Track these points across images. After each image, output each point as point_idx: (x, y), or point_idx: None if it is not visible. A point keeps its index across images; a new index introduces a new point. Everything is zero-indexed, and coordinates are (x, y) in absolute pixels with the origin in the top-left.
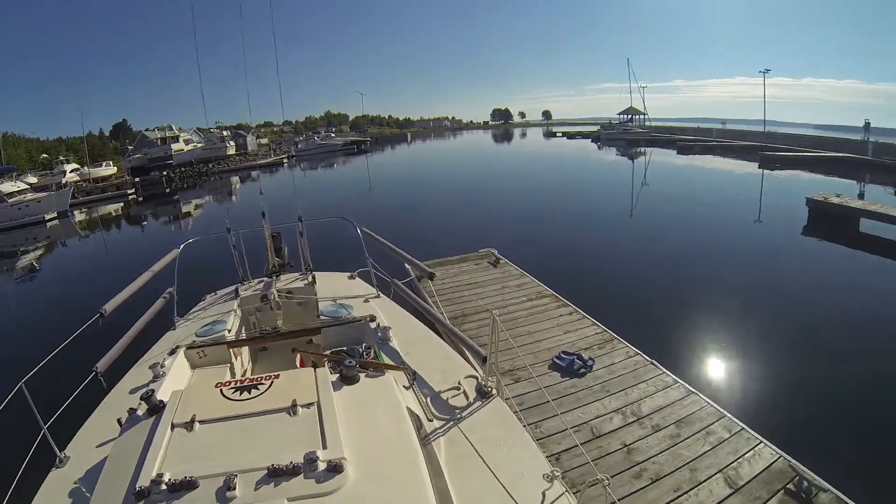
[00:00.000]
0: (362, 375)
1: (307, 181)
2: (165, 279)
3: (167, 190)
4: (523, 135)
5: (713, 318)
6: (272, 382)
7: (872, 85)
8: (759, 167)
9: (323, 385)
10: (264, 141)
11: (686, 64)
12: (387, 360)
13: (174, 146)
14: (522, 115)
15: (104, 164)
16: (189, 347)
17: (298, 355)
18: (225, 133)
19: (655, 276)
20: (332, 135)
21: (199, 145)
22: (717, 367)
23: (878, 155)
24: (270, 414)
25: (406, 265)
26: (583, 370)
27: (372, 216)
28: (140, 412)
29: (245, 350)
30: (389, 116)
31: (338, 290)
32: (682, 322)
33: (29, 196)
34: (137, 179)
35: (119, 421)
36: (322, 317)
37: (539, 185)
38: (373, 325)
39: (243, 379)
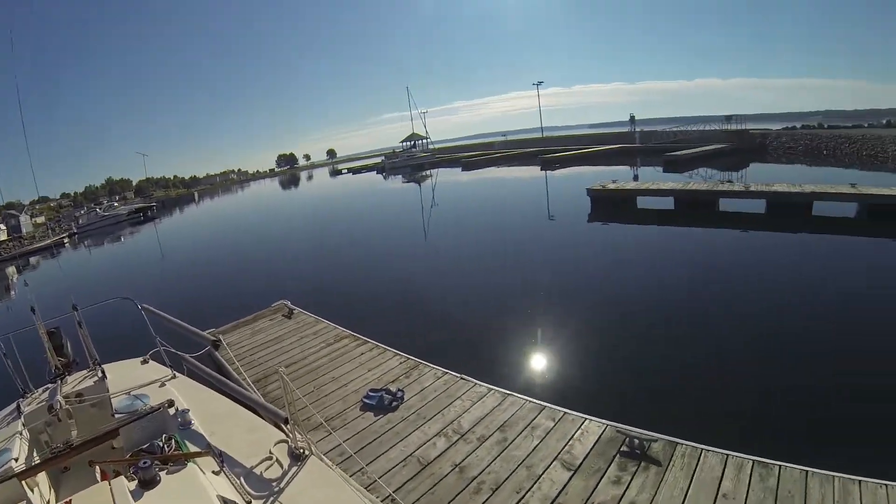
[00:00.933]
0: (163, 473)
1: (93, 260)
2: None
3: None
4: (310, 177)
5: (515, 319)
6: None
7: (633, 84)
8: (542, 169)
9: (120, 499)
10: (41, 220)
11: (464, 85)
12: (191, 447)
13: None
14: (307, 157)
15: None
16: None
17: (97, 467)
18: None
19: (455, 292)
20: (116, 204)
21: None
22: (526, 364)
23: (644, 141)
24: None
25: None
26: (395, 403)
27: (166, 285)
28: None
29: (42, 477)
30: (175, 177)
31: (131, 379)
32: (486, 332)
33: None
34: None
35: None
36: (117, 415)
37: (328, 226)
38: (171, 410)
39: None
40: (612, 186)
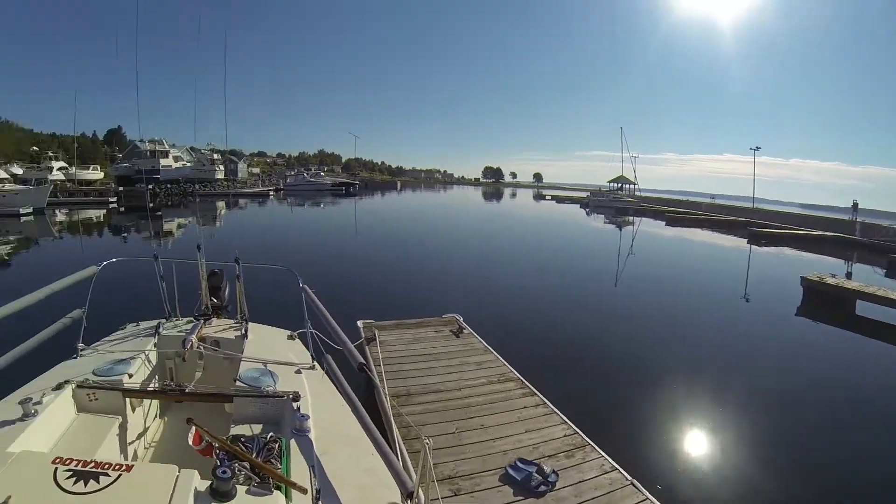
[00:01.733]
0: (243, 490)
1: (291, 217)
2: (76, 299)
3: (150, 205)
4: (513, 195)
5: (709, 418)
6: (119, 476)
7: (855, 168)
8: (748, 242)
9: (180, 497)
10: (255, 170)
11: (676, 137)
12: (293, 463)
13: (163, 161)
14: (514, 175)
15: (92, 167)
16: (80, 386)
17: (194, 428)
18: (216, 156)
19: (639, 362)
20: (322, 174)
21: (189, 164)
22: (715, 488)
23: (865, 235)
24: None
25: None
26: (542, 487)
27: (356, 262)
28: None
29: (147, 402)
30: (382, 163)
31: (271, 350)
32: (671, 423)
33: (7, 187)
34: (122, 189)
35: None
36: (239, 382)
37: (522, 249)
38: (294, 405)
39: (87, 462)
40: (830, 281)
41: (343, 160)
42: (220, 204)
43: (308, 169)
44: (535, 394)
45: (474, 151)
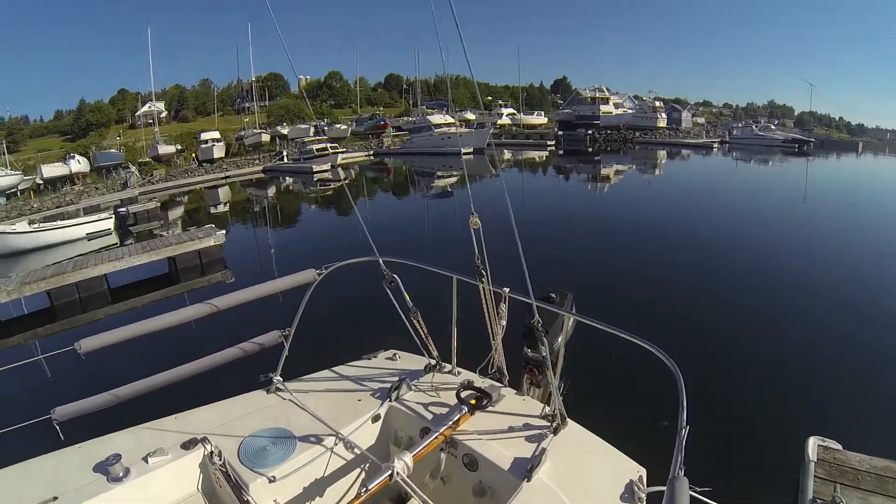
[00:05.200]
0: None
1: (735, 173)
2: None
3: (589, 149)
4: None
5: None
6: None
7: None
8: None
9: None
10: (700, 120)
11: None
12: None
13: (603, 108)
14: None
15: (536, 113)
16: (210, 457)
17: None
18: (658, 104)
19: None
20: (773, 128)
21: (630, 111)
22: None
23: None
24: None
25: None
26: None
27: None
28: None
29: None
30: (840, 118)
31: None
32: None
33: (452, 130)
34: (561, 133)
35: None
36: None
37: None
38: None
39: None
40: None
41: (796, 114)
42: (661, 153)
43: (756, 121)
44: None
45: None
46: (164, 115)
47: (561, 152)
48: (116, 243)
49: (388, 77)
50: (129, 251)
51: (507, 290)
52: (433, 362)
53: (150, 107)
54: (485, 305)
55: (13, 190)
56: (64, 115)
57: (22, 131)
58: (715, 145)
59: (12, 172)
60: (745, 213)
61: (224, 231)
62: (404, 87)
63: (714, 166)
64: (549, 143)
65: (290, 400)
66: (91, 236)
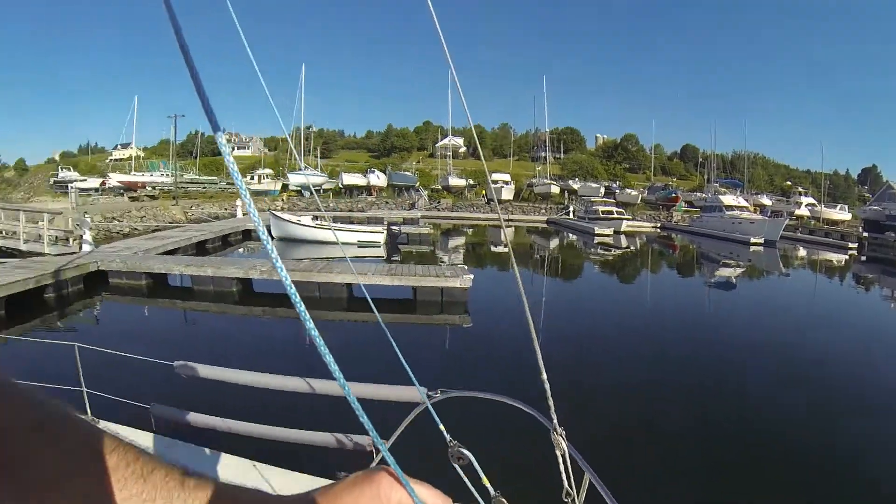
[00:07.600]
0: None
1: None
2: None
3: None
4: None
5: None
6: None
7: None
8: None
9: None
10: None
11: None
12: None
13: None
14: None
15: (839, 207)
16: None
17: None
18: None
19: None
20: None
21: None
22: None
23: None
24: None
25: None
26: None
27: None
28: None
29: None
30: None
31: None
32: None
33: (744, 215)
34: (867, 235)
35: None
36: None
37: None
38: None
39: None
40: None
41: None
42: None
43: None
44: None
45: None
46: (462, 150)
47: (864, 258)
48: (382, 256)
49: (685, 147)
50: (375, 269)
51: None
52: None
53: (449, 140)
54: None
55: (317, 188)
56: (373, 135)
57: (336, 142)
58: None
59: (320, 174)
60: None
61: (471, 276)
62: (700, 159)
63: None
64: (850, 245)
65: None
66: (361, 244)
